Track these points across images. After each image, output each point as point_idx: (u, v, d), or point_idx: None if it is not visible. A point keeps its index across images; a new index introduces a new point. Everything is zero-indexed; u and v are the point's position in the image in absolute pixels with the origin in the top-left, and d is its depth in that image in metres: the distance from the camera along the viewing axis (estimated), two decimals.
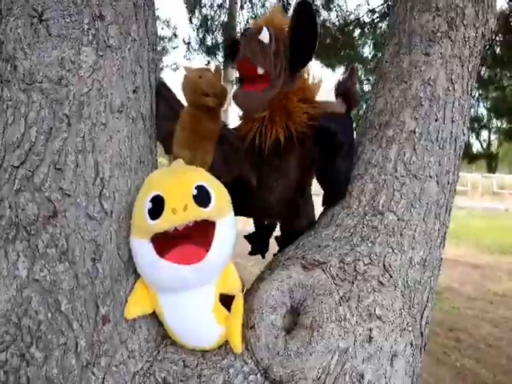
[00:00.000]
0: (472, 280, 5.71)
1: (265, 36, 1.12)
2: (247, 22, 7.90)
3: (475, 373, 3.18)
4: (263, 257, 1.63)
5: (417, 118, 1.23)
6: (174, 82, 1.31)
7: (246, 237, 1.63)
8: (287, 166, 1.22)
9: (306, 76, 1.24)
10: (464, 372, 3.20)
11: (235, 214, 1.01)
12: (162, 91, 1.24)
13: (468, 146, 5.71)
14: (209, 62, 8.39)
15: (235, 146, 1.27)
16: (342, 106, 1.32)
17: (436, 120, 1.23)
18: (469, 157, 5.74)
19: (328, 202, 1.27)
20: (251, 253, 1.66)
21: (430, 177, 1.19)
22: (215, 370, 0.96)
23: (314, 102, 1.20)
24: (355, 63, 6.61)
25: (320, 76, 1.27)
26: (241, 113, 1.25)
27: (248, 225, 1.62)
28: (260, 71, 1.12)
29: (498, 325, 4.10)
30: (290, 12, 1.20)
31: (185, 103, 1.29)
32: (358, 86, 1.42)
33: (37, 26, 0.92)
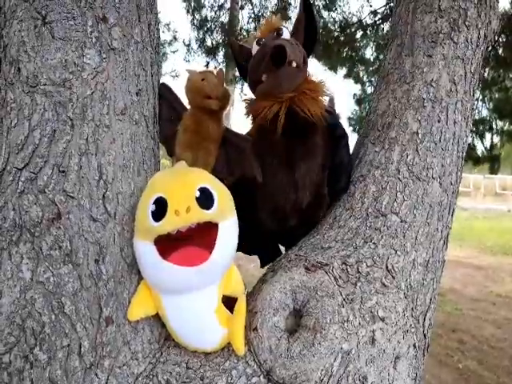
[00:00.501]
0: (475, 281, 5.71)
1: (286, 34, 1.19)
2: (247, 22, 7.92)
3: (478, 374, 3.18)
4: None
5: (419, 119, 1.23)
6: (174, 88, 1.32)
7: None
8: (314, 147, 1.22)
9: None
10: (467, 373, 3.19)
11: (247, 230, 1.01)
12: (164, 94, 1.24)
13: (473, 148, 5.68)
14: (208, 63, 8.41)
15: (239, 148, 1.27)
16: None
17: (439, 121, 1.23)
18: (473, 159, 5.71)
19: (328, 193, 1.27)
20: (263, 264, 1.50)
21: (433, 178, 1.19)
22: (218, 371, 0.96)
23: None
24: (357, 65, 6.63)
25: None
26: (266, 94, 1.22)
27: None
28: (294, 65, 1.14)
29: (501, 326, 4.10)
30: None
31: (187, 106, 1.30)
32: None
33: (40, 29, 0.92)
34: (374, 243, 1.10)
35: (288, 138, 1.17)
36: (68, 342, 0.89)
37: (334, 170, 1.24)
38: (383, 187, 1.18)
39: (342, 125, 1.28)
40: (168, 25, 8.92)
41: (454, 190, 1.24)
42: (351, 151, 1.34)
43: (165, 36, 8.90)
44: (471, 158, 5.59)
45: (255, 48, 1.21)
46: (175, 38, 9.01)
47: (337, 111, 1.42)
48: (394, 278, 1.06)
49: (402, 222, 1.14)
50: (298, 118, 1.14)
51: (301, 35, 1.23)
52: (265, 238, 1.45)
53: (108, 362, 0.92)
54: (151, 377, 0.95)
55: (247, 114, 1.28)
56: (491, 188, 18.21)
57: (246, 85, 1.38)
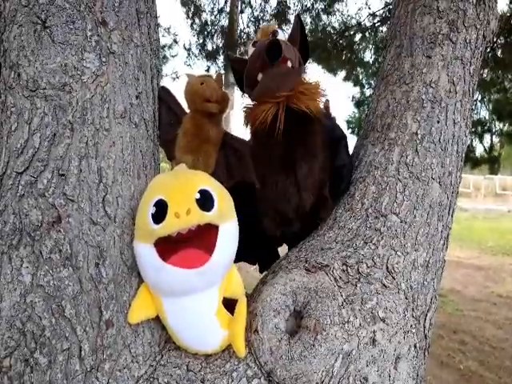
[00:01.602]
0: (475, 282, 5.70)
1: (281, 36, 1.19)
2: (247, 25, 7.95)
3: (479, 375, 3.17)
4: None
5: (419, 120, 1.23)
6: (174, 90, 1.32)
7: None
8: (315, 146, 1.21)
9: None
10: (468, 374, 3.19)
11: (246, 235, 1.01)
12: (164, 97, 1.25)
13: (472, 150, 5.68)
14: (209, 68, 8.45)
15: (238, 152, 1.28)
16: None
17: (438, 122, 1.23)
18: (472, 161, 5.71)
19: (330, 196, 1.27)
20: (262, 270, 1.46)
21: (433, 178, 1.19)
22: (218, 374, 0.96)
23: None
24: (356, 68, 6.64)
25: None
26: (261, 95, 1.21)
27: None
28: (289, 64, 1.14)
29: (502, 326, 4.09)
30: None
31: (187, 109, 1.30)
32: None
33: (40, 33, 0.93)
34: (374, 244, 1.11)
35: (288, 138, 1.17)
36: (68, 346, 0.89)
37: (335, 172, 1.24)
38: (383, 188, 1.18)
39: (340, 126, 1.29)
40: (168, 29, 8.93)
41: (453, 190, 1.24)
42: (351, 152, 1.34)
43: (165, 40, 8.92)
44: (470, 159, 5.59)
45: (251, 50, 1.21)
46: (175, 42, 9.03)
47: (332, 114, 1.42)
48: (394, 278, 1.06)
49: (402, 222, 1.14)
50: (297, 116, 1.14)
51: (297, 40, 1.23)
52: (265, 242, 1.43)
53: (108, 365, 0.92)
54: (152, 379, 0.95)
55: (246, 121, 1.26)
56: (491, 188, 18.21)
57: None
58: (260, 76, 1.16)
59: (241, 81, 1.27)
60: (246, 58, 1.25)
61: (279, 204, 1.23)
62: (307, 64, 1.30)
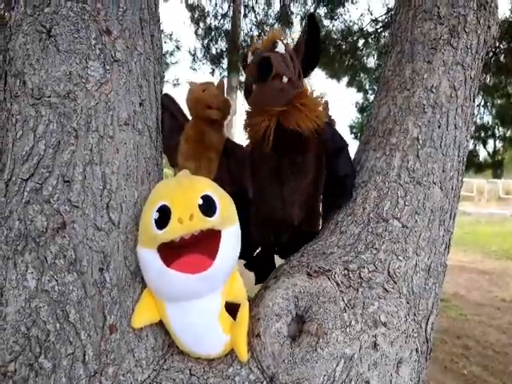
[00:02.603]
0: (479, 286, 5.67)
1: (281, 48, 1.18)
2: (250, 29, 7.98)
3: (483, 380, 3.15)
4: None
5: (420, 125, 1.24)
6: (176, 97, 1.34)
7: (247, 265, 1.49)
8: (306, 163, 1.21)
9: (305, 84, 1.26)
10: (472, 379, 3.16)
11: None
12: (167, 104, 1.26)
13: (475, 155, 5.67)
14: (213, 71, 8.49)
15: (239, 158, 1.29)
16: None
17: (439, 127, 1.23)
18: (476, 166, 5.70)
19: (332, 205, 1.27)
20: (257, 281, 1.46)
21: (434, 183, 1.19)
22: (221, 378, 0.97)
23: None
24: (359, 73, 6.65)
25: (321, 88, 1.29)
26: (254, 108, 1.23)
27: None
28: (285, 79, 1.14)
29: (506, 331, 4.07)
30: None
31: (189, 116, 1.32)
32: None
33: (45, 42, 0.94)
34: (375, 248, 1.11)
35: (278, 153, 1.18)
36: (72, 350, 0.90)
37: (337, 182, 1.24)
38: (384, 193, 1.19)
39: (340, 135, 1.27)
40: (170, 35, 8.97)
41: (455, 194, 1.25)
42: (352, 158, 1.34)
43: (167, 46, 8.96)
44: (474, 164, 5.58)
45: (250, 57, 1.22)
46: (178, 48, 9.06)
47: (332, 117, 1.42)
48: (395, 283, 1.07)
49: (403, 227, 1.14)
50: (288, 133, 1.14)
51: (301, 52, 1.23)
52: (259, 252, 1.46)
53: (112, 370, 0.93)
54: None
55: (244, 128, 1.28)
56: (495, 192, 18.14)
57: None
58: (254, 87, 1.17)
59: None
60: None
61: (266, 215, 1.25)
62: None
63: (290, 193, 1.20)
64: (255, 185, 1.25)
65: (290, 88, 1.16)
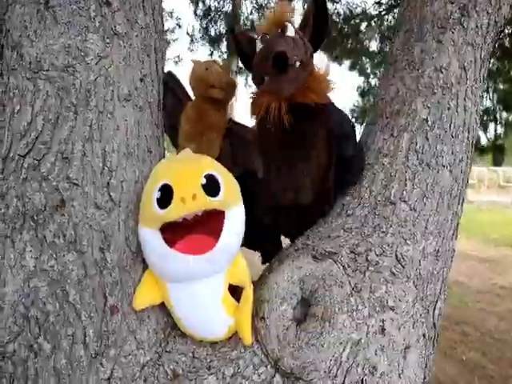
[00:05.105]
0: (480, 274, 5.69)
1: (291, 30, 1.14)
2: (251, 12, 7.88)
3: (482, 366, 3.17)
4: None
5: (429, 106, 1.20)
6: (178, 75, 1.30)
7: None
8: (317, 143, 1.17)
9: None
10: (470, 365, 3.18)
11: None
12: (170, 82, 1.22)
13: (477, 139, 5.65)
14: (212, 53, 8.41)
15: (244, 140, 1.26)
16: None
17: (449, 108, 1.20)
18: (478, 150, 5.69)
19: (341, 184, 1.25)
20: (264, 261, 1.43)
21: (443, 166, 1.16)
22: (225, 361, 0.95)
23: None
24: (361, 57, 6.58)
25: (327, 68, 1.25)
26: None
27: None
28: (297, 64, 1.11)
29: (504, 318, 4.08)
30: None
31: (193, 96, 1.28)
32: None
33: (43, 13, 0.91)
34: (382, 232, 1.08)
35: (289, 133, 1.15)
36: (73, 331, 0.88)
37: (345, 164, 1.21)
38: (392, 175, 1.16)
39: (348, 118, 1.24)
40: (171, 13, 8.84)
41: (463, 178, 1.22)
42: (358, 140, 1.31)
43: (167, 24, 8.83)
44: (476, 148, 5.56)
45: (259, 45, 1.18)
46: (179, 26, 8.94)
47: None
48: (403, 267, 1.05)
49: (411, 210, 1.11)
50: (300, 111, 1.11)
51: (309, 28, 1.19)
52: (265, 232, 1.40)
53: (113, 352, 0.92)
54: (157, 366, 0.95)
55: (251, 110, 1.24)
56: (495, 180, 18.11)
57: (250, 76, 1.35)
58: (266, 78, 1.14)
59: (244, 56, 1.24)
60: (252, 35, 1.23)
61: (276, 197, 1.21)
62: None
63: (301, 174, 1.17)
64: (264, 164, 1.22)
65: (303, 71, 1.13)
